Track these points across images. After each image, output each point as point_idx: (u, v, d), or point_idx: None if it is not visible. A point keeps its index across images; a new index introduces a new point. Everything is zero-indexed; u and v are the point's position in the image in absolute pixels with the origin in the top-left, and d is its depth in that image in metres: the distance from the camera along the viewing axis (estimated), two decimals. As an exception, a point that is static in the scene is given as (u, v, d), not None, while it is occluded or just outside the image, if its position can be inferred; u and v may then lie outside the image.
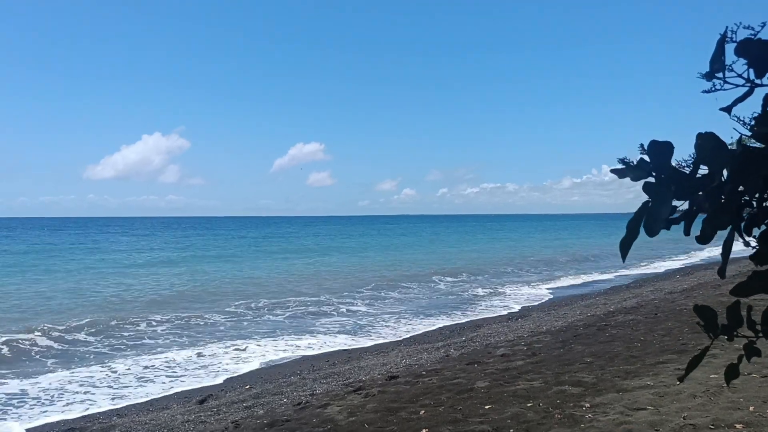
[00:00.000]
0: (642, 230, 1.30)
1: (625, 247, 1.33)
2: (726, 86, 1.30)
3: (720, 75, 1.30)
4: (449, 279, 29.25)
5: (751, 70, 1.26)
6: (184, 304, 21.77)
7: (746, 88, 1.28)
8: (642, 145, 1.29)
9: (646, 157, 1.28)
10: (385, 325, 17.48)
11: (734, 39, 1.26)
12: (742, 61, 1.26)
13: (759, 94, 1.28)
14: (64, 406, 10.40)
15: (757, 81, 1.27)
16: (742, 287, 1.32)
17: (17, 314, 19.54)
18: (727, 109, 1.31)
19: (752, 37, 1.24)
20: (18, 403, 10.55)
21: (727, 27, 1.26)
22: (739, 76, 1.28)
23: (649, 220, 1.25)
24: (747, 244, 1.30)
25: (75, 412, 10.01)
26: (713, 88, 1.32)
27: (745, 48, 1.23)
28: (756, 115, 1.28)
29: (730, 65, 1.28)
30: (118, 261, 42.14)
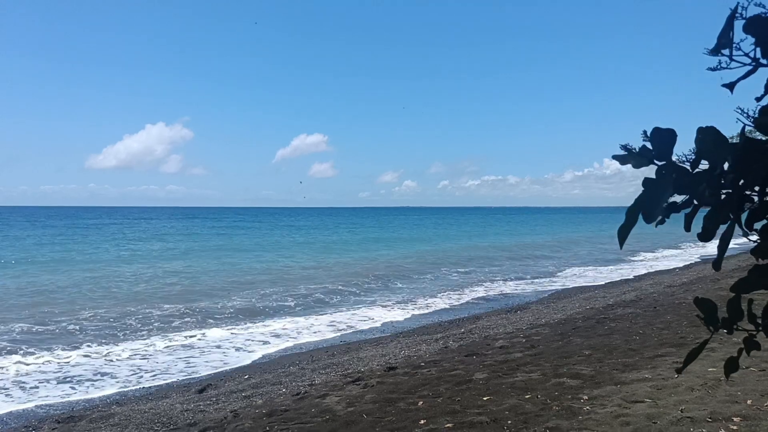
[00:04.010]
0: (640, 219, 1.28)
1: (623, 233, 1.31)
2: (732, 64, 1.27)
3: (726, 52, 1.27)
4: (447, 270, 29.27)
5: (758, 49, 1.24)
6: (195, 293, 21.85)
7: (751, 67, 1.25)
8: (645, 132, 1.27)
9: (649, 145, 1.26)
10: (384, 317, 17.50)
11: (744, 15, 1.23)
12: (750, 40, 1.23)
13: (763, 75, 1.25)
14: (63, 391, 10.44)
15: (763, 60, 1.24)
16: (743, 284, 1.31)
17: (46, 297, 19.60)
18: (730, 86, 1.29)
19: (763, 14, 1.21)
20: (19, 385, 10.60)
21: (738, 2, 1.23)
22: (746, 54, 1.25)
23: (647, 205, 1.23)
24: (748, 238, 1.29)
25: (75, 397, 10.06)
26: (719, 66, 1.29)
27: (754, 25, 1.21)
28: (761, 106, 1.25)
29: (738, 43, 1.25)
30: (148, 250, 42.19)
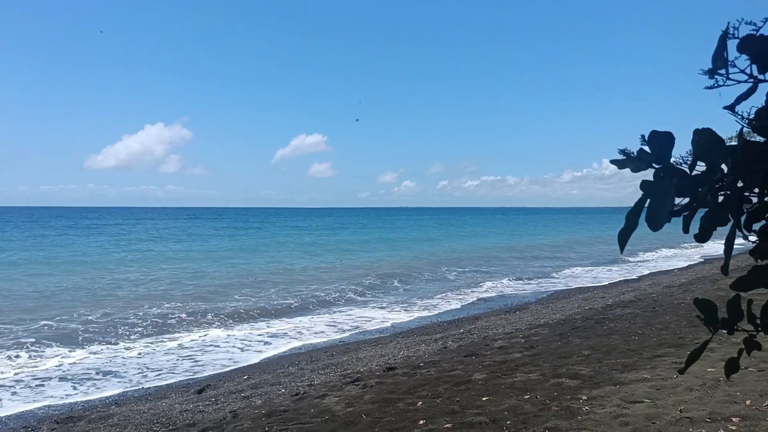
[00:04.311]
0: (640, 222, 1.28)
1: (623, 238, 1.32)
2: (729, 82, 1.29)
3: (722, 71, 1.28)
4: (446, 270, 29.26)
5: (754, 66, 1.25)
6: (196, 293, 21.86)
7: (749, 84, 1.26)
8: (643, 136, 1.28)
9: (647, 148, 1.26)
10: (385, 317, 17.51)
11: (736, 35, 1.25)
12: (745, 56, 1.25)
13: (763, 89, 1.26)
14: (63, 391, 10.43)
15: (760, 77, 1.25)
16: (742, 282, 1.31)
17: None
18: (731, 107, 1.30)
19: (754, 33, 1.23)
20: (19, 385, 10.59)
21: (729, 23, 1.24)
22: (742, 71, 1.27)
23: (651, 213, 1.23)
24: (746, 239, 1.29)
25: (74, 397, 10.05)
26: (716, 85, 1.30)
27: (748, 44, 1.22)
28: (755, 108, 1.26)
29: (733, 61, 1.27)
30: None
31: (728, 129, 1.31)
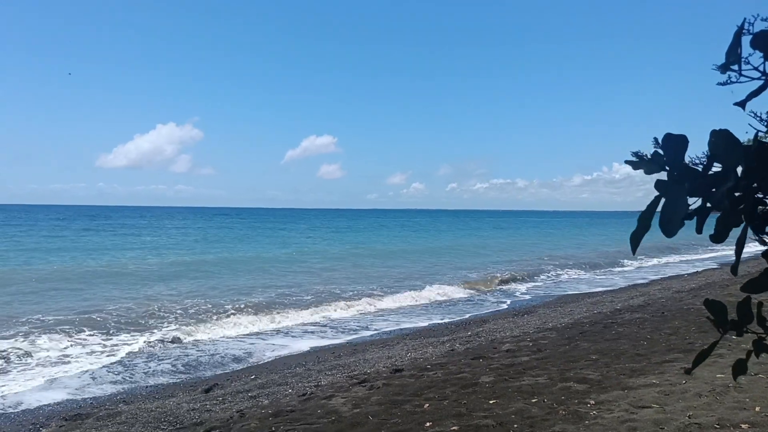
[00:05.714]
0: (652, 226, 1.29)
1: (635, 240, 1.32)
2: (741, 79, 1.28)
3: (735, 67, 1.28)
4: (455, 271, 29.22)
5: (767, 63, 1.25)
6: (204, 292, 21.97)
7: (761, 81, 1.26)
8: (656, 139, 1.28)
9: (661, 151, 1.26)
10: (391, 319, 17.50)
11: (751, 31, 1.24)
12: (759, 53, 1.25)
13: None
14: (71, 388, 10.50)
15: None
16: (753, 284, 1.31)
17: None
18: (742, 104, 1.30)
19: None
20: (26, 382, 10.68)
21: (744, 18, 1.24)
22: (755, 68, 1.26)
23: (664, 219, 1.23)
24: (762, 242, 1.29)
25: (83, 394, 10.12)
26: (728, 81, 1.30)
27: (762, 40, 1.22)
28: None
29: (746, 58, 1.27)
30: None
31: (741, 131, 1.30)
